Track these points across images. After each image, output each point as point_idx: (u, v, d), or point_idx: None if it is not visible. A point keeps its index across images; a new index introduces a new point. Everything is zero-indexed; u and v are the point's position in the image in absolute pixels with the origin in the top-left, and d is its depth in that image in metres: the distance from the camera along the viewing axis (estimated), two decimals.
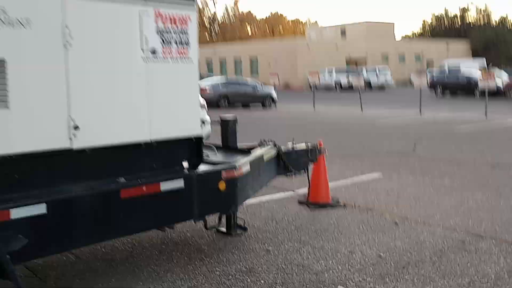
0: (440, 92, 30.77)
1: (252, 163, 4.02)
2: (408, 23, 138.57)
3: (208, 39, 76.53)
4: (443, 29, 68.17)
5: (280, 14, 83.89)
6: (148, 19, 3.16)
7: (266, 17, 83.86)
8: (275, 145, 4.81)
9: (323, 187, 5.72)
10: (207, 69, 56.37)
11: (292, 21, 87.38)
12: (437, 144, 10.74)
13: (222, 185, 3.59)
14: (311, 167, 5.55)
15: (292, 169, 4.93)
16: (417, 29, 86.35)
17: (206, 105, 9.50)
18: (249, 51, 52.07)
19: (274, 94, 24.61)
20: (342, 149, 9.91)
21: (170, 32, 3.29)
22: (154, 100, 3.33)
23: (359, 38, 55.43)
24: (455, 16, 69.03)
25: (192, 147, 3.61)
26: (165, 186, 3.21)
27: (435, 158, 8.92)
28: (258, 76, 47.58)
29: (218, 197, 3.59)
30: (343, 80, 40.66)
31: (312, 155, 5.25)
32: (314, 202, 5.67)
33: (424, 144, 10.71)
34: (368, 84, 38.95)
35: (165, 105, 3.40)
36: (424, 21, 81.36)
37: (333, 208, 5.60)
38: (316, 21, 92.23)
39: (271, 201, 5.92)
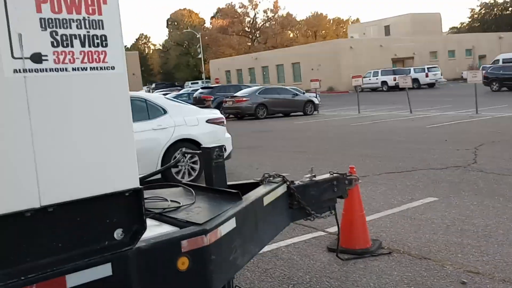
0: (496, 88, 28.18)
1: (241, 215, 2.73)
2: (454, 13, 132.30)
3: (249, 47, 75.91)
4: (493, 17, 63.99)
5: (321, 14, 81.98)
6: (22, 4, 1.94)
7: (307, 18, 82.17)
8: (284, 181, 3.49)
9: (359, 229, 4.32)
10: (250, 78, 55.55)
11: (333, 19, 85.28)
12: (503, 152, 8.96)
13: (183, 263, 2.31)
14: (340, 203, 4.17)
15: (312, 212, 3.59)
16: (464, 19, 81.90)
17: (225, 120, 8.28)
18: (291, 57, 50.73)
19: (316, 100, 23.16)
20: (387, 164, 8.39)
21: (69, 25, 2.04)
22: (44, 138, 2.03)
23: (404, 33, 52.76)
24: (505, 2, 64.57)
25: (126, 207, 2.30)
26: (76, 279, 1.98)
27: (503, 172, 7.23)
28: (301, 82, 46.14)
29: (177, 283, 2.31)
30: (390, 81, 38.48)
31: (339, 188, 3.88)
32: (349, 248, 4.27)
33: (486, 152, 8.98)
34: (417, 82, 36.52)
35: (67, 143, 2.08)
36: (472, 9, 76.89)
37: (374, 258, 4.18)
38: (358, 18, 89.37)
39: (292, 247, 4.58)
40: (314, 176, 3.79)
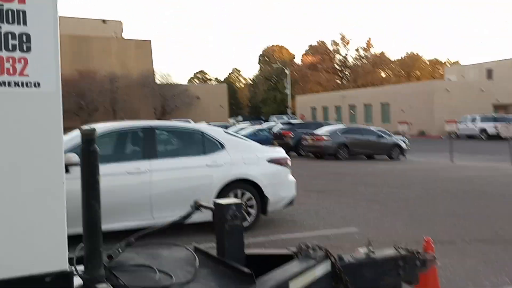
0: None
1: None
2: None
3: (338, 84, 74.94)
4: None
5: (417, 54, 78.93)
6: None
7: (401, 58, 79.49)
8: (327, 255, 2.56)
9: None
10: (336, 116, 54.36)
11: (430, 61, 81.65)
12: None
13: None
14: None
15: None
16: None
17: (289, 161, 7.40)
18: (381, 96, 48.90)
19: (403, 144, 21.50)
20: (481, 229, 6.96)
21: None
22: None
23: (507, 78, 48.76)
24: None
25: None
26: None
27: None
28: (390, 123, 44.08)
29: None
30: (490, 128, 35.27)
31: (407, 271, 2.83)
32: None
33: None
34: None
35: None
36: None
37: None
38: (457, 61, 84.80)
39: None
40: (373, 251, 2.79)
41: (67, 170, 5.56)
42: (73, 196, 5.59)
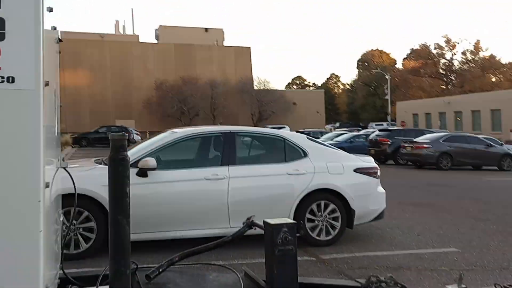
0: None
1: None
2: None
3: (443, 90, 70.45)
4: None
5: None
6: None
7: None
8: None
9: None
10: (440, 123, 51.11)
11: None
12: None
13: None
14: None
15: None
16: None
17: (379, 171, 6.79)
18: (491, 102, 44.96)
19: None
20: None
21: None
22: None
23: None
24: None
25: None
26: None
27: None
28: (501, 131, 40.35)
29: None
30: None
31: None
32: None
33: None
34: None
35: None
36: None
37: None
38: None
39: None
40: None
41: (145, 175, 5.59)
42: (150, 201, 5.59)
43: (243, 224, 2.51)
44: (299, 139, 6.57)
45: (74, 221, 5.23)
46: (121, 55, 51.59)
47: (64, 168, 2.27)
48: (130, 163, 5.56)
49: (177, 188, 5.65)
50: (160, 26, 62.31)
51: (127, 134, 2.00)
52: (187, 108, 50.90)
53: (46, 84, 1.36)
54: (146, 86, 51.21)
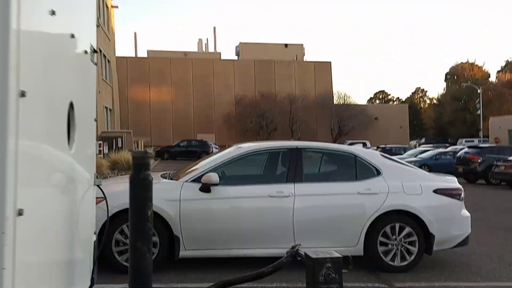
0: None
1: None
2: None
3: None
4: None
5: None
6: None
7: None
8: None
9: None
10: None
11: None
12: None
13: None
14: None
15: None
16: None
17: (462, 193, 6.13)
18: None
19: None
20: None
21: None
22: None
23: None
24: None
25: None
26: None
27: None
28: None
29: None
30: None
31: None
32: None
33: None
34: None
35: None
36: None
37: None
38: None
39: None
40: None
41: (207, 190, 5.46)
42: (213, 217, 5.44)
43: (286, 253, 2.22)
44: (372, 156, 6.12)
45: None
46: (203, 72, 53.33)
47: (98, 186, 2.15)
48: (194, 178, 5.58)
49: (240, 204, 5.46)
50: (241, 43, 63.70)
51: (150, 152, 1.82)
52: (265, 123, 51.28)
53: (22, 95, 1.21)
54: (227, 102, 52.38)
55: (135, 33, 74.28)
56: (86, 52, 2.06)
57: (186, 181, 5.50)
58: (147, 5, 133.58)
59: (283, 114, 51.89)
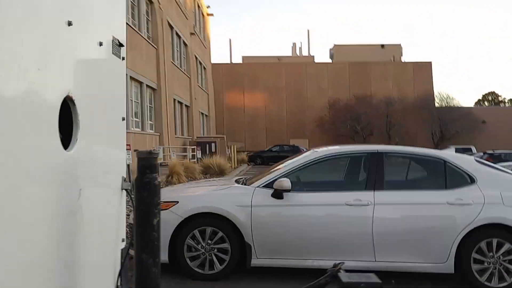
0: None
1: None
2: None
3: None
4: None
5: None
6: None
7: None
8: None
9: None
10: None
11: None
12: None
13: None
14: None
15: None
16: None
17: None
18: None
19: None
20: None
21: None
22: None
23: None
24: None
25: None
26: None
27: None
28: None
29: None
30: None
31: None
32: None
33: None
34: None
35: None
36: None
37: None
38: None
39: None
40: None
41: (280, 196, 5.23)
42: (285, 226, 5.19)
43: (327, 271, 1.91)
44: (465, 162, 5.46)
45: (209, 241, 5.13)
46: (296, 76, 53.27)
47: (126, 191, 2.04)
48: (266, 183, 5.37)
49: (314, 212, 5.15)
50: (335, 45, 62.59)
51: (158, 152, 1.65)
52: (360, 127, 49.76)
53: None
54: (320, 106, 51.74)
55: (230, 40, 76.29)
56: (101, 44, 1.95)
57: (258, 186, 5.32)
58: (242, 12, 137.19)
59: (379, 117, 49.97)
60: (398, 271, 5.08)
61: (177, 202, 5.26)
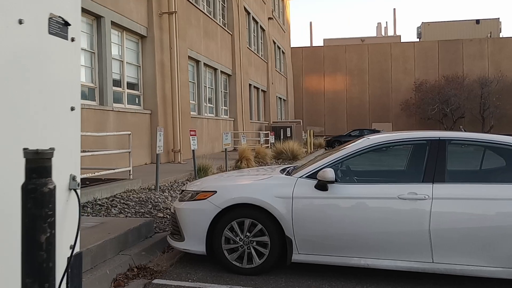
0: None
1: None
2: None
3: None
4: None
5: None
6: None
7: None
8: None
9: None
10: None
11: None
12: None
13: None
14: None
15: None
16: None
17: None
18: None
19: None
20: None
21: None
22: None
23: None
24: None
25: None
26: None
27: None
28: None
29: None
30: None
31: None
32: None
33: None
34: None
35: None
36: None
37: None
38: None
39: None
40: None
41: (324, 188, 4.77)
42: (329, 219, 4.73)
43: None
44: None
45: (248, 233, 4.84)
46: (380, 57, 50.98)
47: (74, 190, 1.78)
48: (310, 173, 4.93)
49: (362, 206, 4.62)
50: (423, 23, 58.95)
51: (51, 151, 1.32)
52: (450, 110, 46.50)
53: None
54: (405, 88, 49.16)
55: (310, 23, 74.72)
56: (21, 22, 1.67)
57: (301, 176, 4.89)
58: None
59: (471, 99, 46.34)
60: (460, 275, 4.45)
61: (215, 192, 5.01)
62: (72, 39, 1.95)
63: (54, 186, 1.29)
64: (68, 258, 1.70)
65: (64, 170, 1.82)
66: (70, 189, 1.83)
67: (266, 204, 4.77)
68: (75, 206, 1.88)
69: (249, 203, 4.83)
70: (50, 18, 1.81)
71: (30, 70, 1.75)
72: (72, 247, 1.80)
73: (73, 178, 1.82)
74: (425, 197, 4.47)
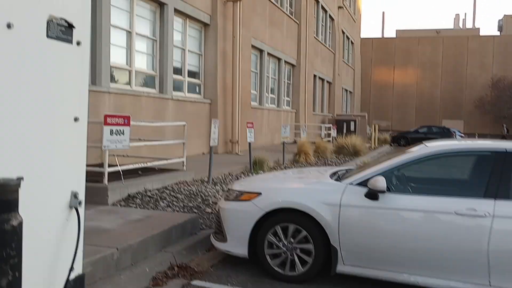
0: None
1: None
2: None
3: None
4: None
5: None
6: None
7: None
8: None
9: None
10: None
11: None
12: None
13: None
14: None
15: None
16: None
17: None
18: None
19: None
20: None
21: None
22: None
23: None
24: None
25: None
26: None
27: None
28: None
29: None
30: None
31: None
32: None
33: None
34: None
35: None
36: None
37: None
38: None
39: None
40: None
41: (374, 197, 4.50)
42: (378, 231, 4.46)
43: None
44: None
45: (291, 239, 4.69)
46: (455, 51, 48.28)
47: (75, 209, 1.68)
48: (360, 180, 4.65)
49: (414, 220, 4.31)
50: (505, 15, 55.04)
51: (18, 182, 1.21)
52: None
53: None
54: (481, 84, 46.28)
55: (383, 13, 72.12)
56: (9, 26, 1.55)
57: (351, 183, 4.64)
58: None
59: None
60: None
61: (260, 193, 4.88)
62: (78, 43, 1.84)
63: (20, 223, 1.18)
64: (66, 281, 1.63)
65: (64, 186, 1.73)
66: (70, 207, 1.74)
67: (312, 210, 4.58)
68: (76, 226, 1.78)
69: (294, 208, 4.66)
70: (49, 20, 1.71)
71: (21, 78, 1.65)
72: (69, 270, 1.72)
73: (74, 195, 1.74)
74: (485, 214, 4.09)
